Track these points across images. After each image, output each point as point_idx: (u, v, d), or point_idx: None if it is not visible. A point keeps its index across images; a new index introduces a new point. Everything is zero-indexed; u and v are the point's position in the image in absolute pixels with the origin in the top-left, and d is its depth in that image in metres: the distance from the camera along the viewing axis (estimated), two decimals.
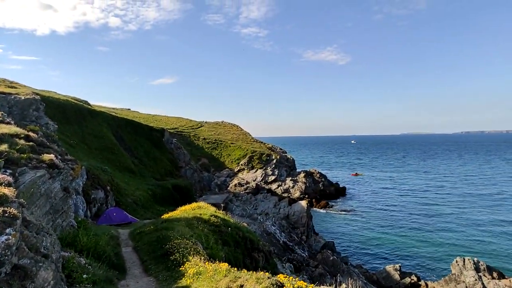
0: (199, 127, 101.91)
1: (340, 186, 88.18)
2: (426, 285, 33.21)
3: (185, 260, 10.92)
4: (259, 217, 46.45)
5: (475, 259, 34.47)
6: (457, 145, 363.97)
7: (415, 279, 34.26)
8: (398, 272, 35.24)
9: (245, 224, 25.77)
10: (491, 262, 37.03)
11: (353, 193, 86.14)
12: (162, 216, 23.67)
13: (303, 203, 50.14)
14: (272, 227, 43.66)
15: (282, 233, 42.75)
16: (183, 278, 9.28)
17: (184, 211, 23.57)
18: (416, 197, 79.88)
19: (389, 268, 36.10)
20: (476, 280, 31.20)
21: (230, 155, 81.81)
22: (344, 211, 67.62)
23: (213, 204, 33.00)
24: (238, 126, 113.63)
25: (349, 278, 9.16)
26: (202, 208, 24.10)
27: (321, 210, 67.92)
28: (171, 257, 11.57)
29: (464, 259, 34.24)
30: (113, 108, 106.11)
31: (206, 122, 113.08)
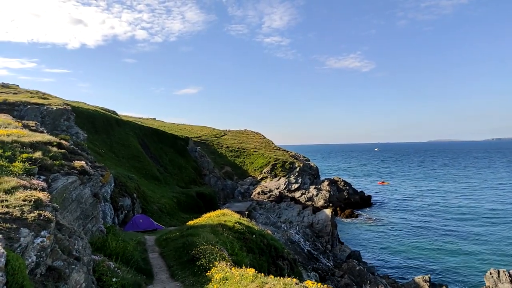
0: (222, 136, 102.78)
1: (366, 194, 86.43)
2: None
3: (211, 265, 10.95)
4: (282, 225, 46.08)
5: (511, 271, 32.85)
6: (487, 152, 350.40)
7: None
8: (427, 283, 33.98)
9: (269, 232, 25.62)
10: None
11: (379, 202, 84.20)
12: (187, 223, 23.90)
13: (328, 211, 49.41)
14: (296, 235, 43.19)
15: (307, 242, 42.20)
16: (209, 283, 9.30)
17: (209, 218, 23.70)
18: (444, 206, 77.20)
19: (418, 279, 34.87)
20: None
21: (253, 163, 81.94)
22: (370, 220, 66.13)
23: (237, 212, 33.04)
24: (260, 134, 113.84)
25: (372, 283, 8.92)
26: (226, 215, 24.17)
27: (346, 219, 66.70)
28: (197, 263, 11.63)
29: (498, 271, 32.70)
30: (139, 118, 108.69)
31: (229, 131, 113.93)
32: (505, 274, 32.00)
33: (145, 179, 43.39)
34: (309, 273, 28.51)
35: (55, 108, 40.44)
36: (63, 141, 16.61)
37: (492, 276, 32.33)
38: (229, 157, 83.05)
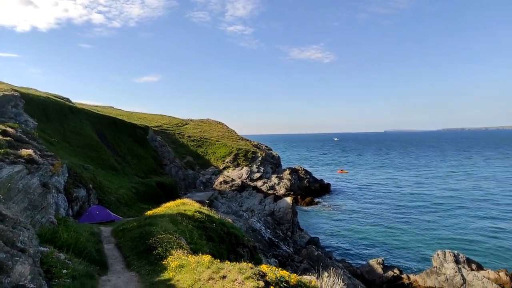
0: (184, 125, 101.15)
1: (325, 183, 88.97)
2: (408, 278, 33.85)
3: (168, 254, 10.83)
4: (244, 214, 46.44)
5: (455, 252, 35.32)
6: (439, 141, 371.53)
7: (398, 272, 34.88)
8: (381, 266, 35.80)
9: (230, 220, 25.74)
10: (470, 255, 37.96)
11: (338, 190, 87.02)
12: (145, 213, 23.43)
13: (288, 199, 50.38)
14: (258, 223, 43.73)
15: (268, 230, 42.88)
16: (165, 271, 9.20)
17: (168, 207, 23.37)
18: (399, 193, 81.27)
19: (373, 262, 36.64)
20: (456, 272, 31.98)
21: (215, 153, 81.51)
22: (329, 207, 68.30)
23: (198, 201, 32.83)
24: (223, 123, 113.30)
25: (330, 267, 9.26)
26: (186, 205, 23.96)
27: (306, 207, 68.42)
28: (153, 252, 11.46)
29: (445, 252, 35.04)
30: (96, 106, 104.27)
31: (191, 120, 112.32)
32: (450, 255, 34.36)
33: (102, 169, 41.86)
34: (269, 260, 29.05)
35: (1, 94, 37.76)
36: (9, 129, 15.62)
37: (439, 257, 34.61)
38: (191, 146, 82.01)
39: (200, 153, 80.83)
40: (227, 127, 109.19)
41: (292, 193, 70.79)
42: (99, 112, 67.16)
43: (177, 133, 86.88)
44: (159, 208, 23.50)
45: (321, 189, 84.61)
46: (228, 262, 8.45)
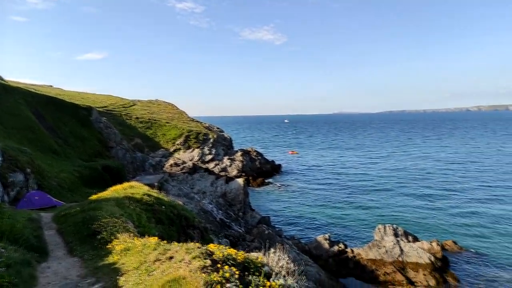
0: (131, 106, 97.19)
1: (276, 164, 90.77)
2: (352, 251, 35.94)
3: (113, 238, 10.49)
4: (196, 196, 46.16)
5: (395, 226, 38.03)
6: (383, 123, 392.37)
7: (343, 246, 36.88)
8: (327, 241, 37.61)
9: (180, 202, 25.45)
10: (408, 228, 41.10)
11: (289, 171, 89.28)
12: (90, 198, 22.42)
13: (240, 180, 50.79)
14: (209, 205, 43.75)
15: (219, 211, 43.09)
16: (110, 255, 8.92)
17: (115, 191, 22.53)
18: (346, 173, 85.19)
19: (320, 238, 38.38)
20: (394, 244, 34.48)
21: (165, 135, 79.53)
22: (280, 187, 70.03)
23: (148, 185, 32.00)
24: (173, 105, 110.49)
25: (278, 244, 9.54)
26: (134, 188, 23.26)
27: (258, 188, 69.55)
28: (98, 237, 11.04)
29: (385, 226, 37.58)
30: (32, 85, 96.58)
31: (139, 101, 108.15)
32: (390, 229, 36.94)
33: (41, 153, 39.17)
34: (220, 240, 29.31)
35: None
36: None
37: (380, 231, 37.07)
38: (139, 128, 79.19)
39: (149, 135, 78.42)
40: (177, 109, 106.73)
41: (244, 174, 71.45)
42: (36, 92, 62.29)
43: (124, 115, 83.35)
44: (105, 192, 22.57)
45: (273, 170, 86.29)
46: (176, 243, 8.37)
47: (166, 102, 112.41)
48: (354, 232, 45.32)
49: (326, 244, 37.26)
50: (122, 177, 42.86)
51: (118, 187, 23.94)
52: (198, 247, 7.54)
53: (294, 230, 46.65)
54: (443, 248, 35.79)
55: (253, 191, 65.43)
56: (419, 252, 33.33)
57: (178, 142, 77.16)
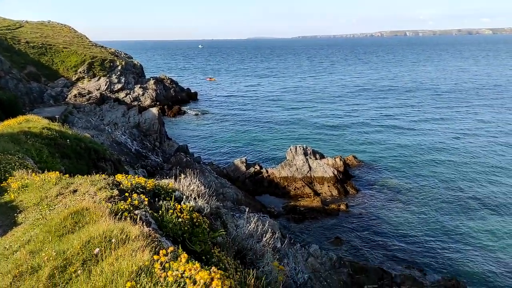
0: (18, 28, 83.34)
1: (192, 91, 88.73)
2: (267, 171, 38.49)
3: (8, 176, 9.57)
4: (106, 127, 43.63)
5: (304, 145, 41.12)
6: (302, 49, 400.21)
7: (258, 168, 39.19)
8: (244, 164, 39.51)
9: (88, 135, 23.91)
10: (316, 147, 44.84)
11: (205, 98, 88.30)
12: None
13: (154, 110, 48.96)
14: (122, 136, 41.96)
15: (134, 142, 41.73)
16: (5, 194, 8.20)
17: (8, 126, 20.09)
18: (261, 98, 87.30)
19: (237, 161, 40.09)
20: (304, 162, 37.65)
21: (64, 62, 71.01)
22: (197, 115, 69.50)
23: (49, 118, 29.08)
24: (70, 27, 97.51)
25: (193, 170, 9.68)
26: (31, 121, 20.98)
27: (174, 117, 68.14)
28: None
29: (296, 147, 40.44)
30: None
31: (27, 22, 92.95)
32: (300, 149, 39.91)
33: None
34: (136, 171, 28.87)
35: None
36: None
37: (291, 151, 39.89)
38: (31, 54, 69.19)
39: (44, 62, 69.28)
40: (76, 32, 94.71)
41: (158, 103, 68.84)
42: None
43: (10, 38, 71.46)
44: None
45: (189, 98, 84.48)
46: (80, 176, 7.97)
47: (61, 24, 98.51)
48: (269, 154, 48.13)
49: (243, 167, 39.16)
50: (17, 110, 38.08)
51: (11, 121, 21.37)
52: (104, 178, 7.28)
53: (212, 156, 47.79)
54: (345, 163, 40.20)
55: (169, 120, 64.06)
56: (324, 168, 37.05)
57: (80, 70, 69.82)
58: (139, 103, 67.26)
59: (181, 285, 3.10)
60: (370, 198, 34.64)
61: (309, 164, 37.61)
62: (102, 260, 3.69)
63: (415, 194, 35.14)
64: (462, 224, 29.60)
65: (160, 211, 6.49)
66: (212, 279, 3.19)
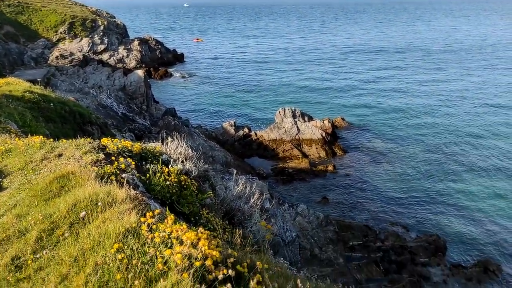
0: None
1: (179, 53, 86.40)
2: (256, 134, 38.58)
3: None
4: (91, 90, 42.62)
5: (293, 108, 41.01)
6: (293, 8, 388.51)
7: (247, 130, 39.21)
8: (233, 127, 39.46)
9: (72, 98, 23.36)
10: (305, 109, 44.72)
11: (192, 60, 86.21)
12: None
13: (140, 72, 47.76)
14: (108, 99, 41.18)
15: (120, 105, 41.04)
16: None
17: None
18: (252, 60, 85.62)
19: (226, 124, 39.98)
20: (292, 124, 37.76)
21: (43, 22, 67.81)
22: (184, 77, 68.12)
23: (30, 81, 28.21)
24: None
25: (180, 133, 9.60)
26: (12, 84, 20.30)
27: (161, 80, 66.72)
28: None
29: (285, 109, 40.32)
30: None
31: None
32: (289, 111, 39.83)
33: None
34: (124, 134, 28.60)
35: None
36: None
37: (280, 114, 39.81)
38: (7, 13, 65.74)
39: (22, 22, 66.05)
40: None
41: (143, 65, 67.07)
42: None
43: None
44: None
45: (175, 59, 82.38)
46: (65, 140, 7.84)
47: None
48: (257, 117, 48.00)
49: (231, 130, 39.13)
50: None
51: None
52: (90, 142, 7.18)
53: (201, 119, 47.47)
54: (333, 124, 40.43)
55: (156, 83, 62.76)
56: (313, 130, 37.27)
57: (61, 30, 66.93)
58: (124, 65, 65.44)
59: (168, 246, 3.15)
60: (357, 159, 35.27)
61: (297, 127, 37.74)
62: (89, 223, 3.71)
63: (401, 156, 35.89)
64: (444, 186, 30.59)
65: (148, 175, 6.49)
66: (199, 239, 3.25)
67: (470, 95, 53.97)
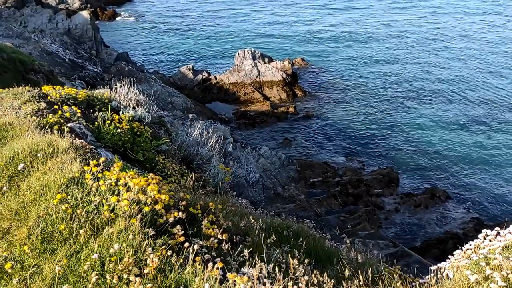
0: None
1: None
2: (215, 78, 37.66)
3: None
4: (32, 35, 38.87)
5: (253, 49, 39.99)
6: None
7: (206, 74, 38.13)
8: (191, 71, 38.15)
9: (10, 45, 21.25)
10: (265, 50, 43.70)
11: None
12: None
13: (85, 13, 43.88)
14: (53, 45, 37.93)
15: (67, 51, 38.04)
16: None
17: None
18: (205, 10, 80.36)
19: (183, 69, 38.54)
20: (252, 66, 37.07)
21: None
22: (135, 18, 63.49)
23: None
24: None
25: (128, 79, 9.06)
26: None
27: (110, 21, 61.84)
28: None
29: (244, 51, 39.23)
30: None
31: None
32: (248, 53, 38.82)
33: None
34: (74, 82, 26.86)
35: None
36: None
37: (239, 56, 38.74)
38: None
39: None
40: None
41: (89, 6, 61.38)
42: None
43: None
44: None
45: None
46: (1, 90, 7.19)
47: None
48: (216, 60, 46.54)
49: (190, 74, 37.87)
50: None
51: None
52: (29, 91, 6.63)
53: (156, 64, 45.32)
54: (293, 65, 40.11)
55: (104, 25, 58.08)
56: (273, 71, 36.89)
57: None
58: (67, 5, 59.51)
59: (116, 193, 3.05)
60: (317, 99, 35.77)
61: (258, 69, 37.14)
62: (30, 175, 3.50)
63: (359, 94, 36.75)
64: (398, 122, 32.06)
65: (97, 123, 6.18)
66: (148, 184, 3.17)
67: (426, 31, 54.86)
